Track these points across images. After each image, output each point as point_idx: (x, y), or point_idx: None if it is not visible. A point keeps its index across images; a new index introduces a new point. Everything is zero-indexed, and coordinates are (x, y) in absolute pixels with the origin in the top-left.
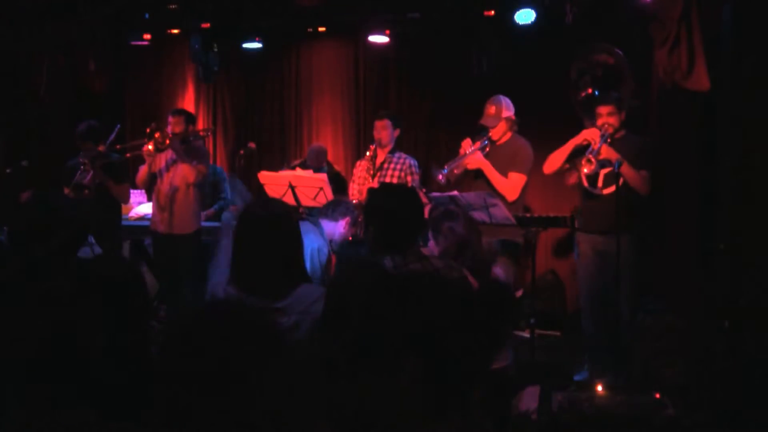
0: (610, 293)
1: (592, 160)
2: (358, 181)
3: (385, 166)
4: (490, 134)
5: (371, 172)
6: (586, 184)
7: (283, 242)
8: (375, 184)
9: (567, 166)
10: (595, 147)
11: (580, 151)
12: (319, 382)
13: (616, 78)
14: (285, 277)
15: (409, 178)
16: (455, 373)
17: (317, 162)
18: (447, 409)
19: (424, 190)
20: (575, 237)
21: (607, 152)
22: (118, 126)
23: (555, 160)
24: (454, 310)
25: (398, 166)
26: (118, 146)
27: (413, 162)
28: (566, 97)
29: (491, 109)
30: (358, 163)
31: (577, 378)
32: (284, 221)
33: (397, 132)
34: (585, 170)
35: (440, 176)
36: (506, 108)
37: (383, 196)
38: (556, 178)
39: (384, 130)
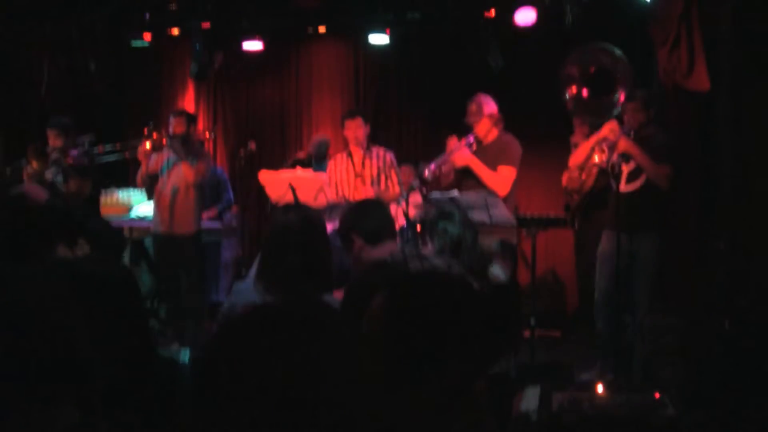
0: (626, 292)
1: (604, 148)
2: (340, 184)
3: (366, 163)
4: (476, 132)
5: (354, 173)
6: (584, 177)
7: (307, 250)
8: (363, 184)
9: (595, 160)
10: (612, 138)
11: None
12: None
13: (609, 81)
14: (307, 285)
15: (393, 172)
16: (462, 372)
17: (322, 152)
18: (454, 408)
19: (424, 190)
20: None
21: (626, 146)
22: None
23: (580, 154)
24: (459, 306)
25: (380, 162)
26: (117, 145)
27: (392, 156)
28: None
29: (472, 107)
30: (331, 163)
31: (585, 378)
32: (310, 228)
33: (368, 128)
34: (596, 158)
35: (426, 173)
36: (486, 104)
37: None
38: (555, 178)
39: (359, 129)
